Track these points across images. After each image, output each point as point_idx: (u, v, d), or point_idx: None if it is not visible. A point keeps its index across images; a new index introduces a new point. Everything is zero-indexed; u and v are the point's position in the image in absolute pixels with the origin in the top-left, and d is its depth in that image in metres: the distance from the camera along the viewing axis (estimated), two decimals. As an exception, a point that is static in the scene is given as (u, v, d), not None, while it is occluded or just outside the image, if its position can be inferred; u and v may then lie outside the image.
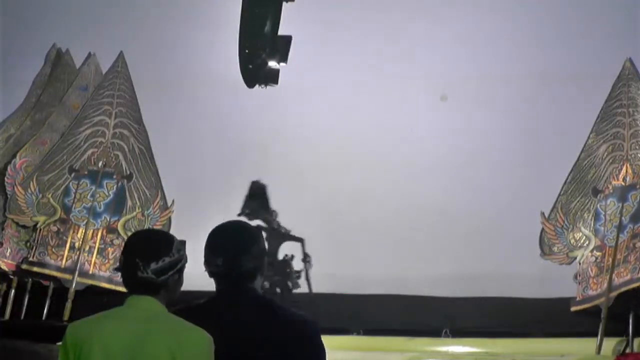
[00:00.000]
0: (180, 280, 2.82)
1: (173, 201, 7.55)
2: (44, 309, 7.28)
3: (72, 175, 7.57)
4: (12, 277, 7.39)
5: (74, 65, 8.33)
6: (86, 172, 7.58)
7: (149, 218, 7.52)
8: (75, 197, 7.48)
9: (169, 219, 7.49)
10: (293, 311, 3.08)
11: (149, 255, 2.73)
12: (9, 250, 7.42)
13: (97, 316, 2.77)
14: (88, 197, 7.50)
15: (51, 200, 7.47)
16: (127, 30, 8.35)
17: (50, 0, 8.82)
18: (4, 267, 7.36)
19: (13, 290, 7.37)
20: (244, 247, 3.00)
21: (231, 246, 2.99)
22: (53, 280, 7.33)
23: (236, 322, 2.86)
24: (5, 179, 7.56)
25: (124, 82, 7.87)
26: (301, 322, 3.02)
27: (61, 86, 8.22)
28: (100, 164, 7.59)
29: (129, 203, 7.55)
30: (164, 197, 7.59)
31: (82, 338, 2.70)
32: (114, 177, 7.59)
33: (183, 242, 2.88)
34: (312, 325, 3.03)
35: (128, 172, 7.62)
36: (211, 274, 2.98)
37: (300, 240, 7.74)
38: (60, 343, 2.78)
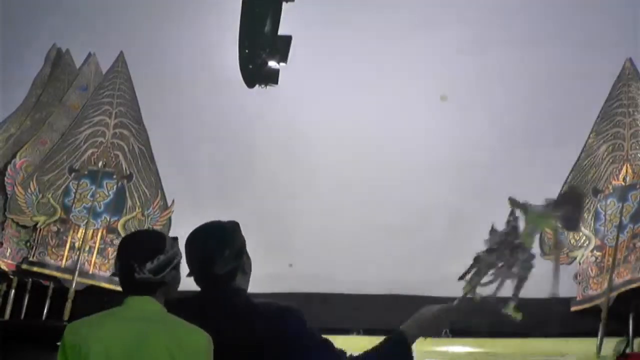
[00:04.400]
0: (177, 277, 2.83)
1: (173, 201, 7.56)
2: (44, 309, 7.27)
3: (72, 175, 7.58)
4: (12, 277, 7.38)
5: (74, 65, 8.34)
6: (86, 172, 7.58)
7: (149, 218, 7.53)
8: (75, 197, 7.48)
9: (169, 219, 7.50)
10: (272, 303, 3.09)
11: (144, 255, 2.74)
12: (9, 250, 7.42)
13: (95, 316, 2.77)
14: (88, 197, 7.50)
15: (51, 200, 7.48)
16: (127, 30, 8.35)
17: (50, 0, 8.82)
18: (4, 267, 7.35)
19: (13, 290, 7.37)
20: (215, 251, 3.01)
21: (202, 252, 2.98)
22: (53, 280, 7.32)
23: (217, 320, 2.88)
24: (5, 179, 7.57)
25: (124, 82, 7.88)
26: (280, 313, 3.04)
27: (61, 86, 8.22)
28: (100, 164, 7.59)
29: (129, 203, 7.56)
30: (164, 197, 7.60)
31: (81, 338, 2.71)
32: (114, 177, 7.59)
33: (175, 239, 2.90)
34: (291, 314, 3.05)
35: (128, 172, 7.62)
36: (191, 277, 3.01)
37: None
38: (59, 343, 2.79)
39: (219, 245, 3.04)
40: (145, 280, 2.71)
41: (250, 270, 3.18)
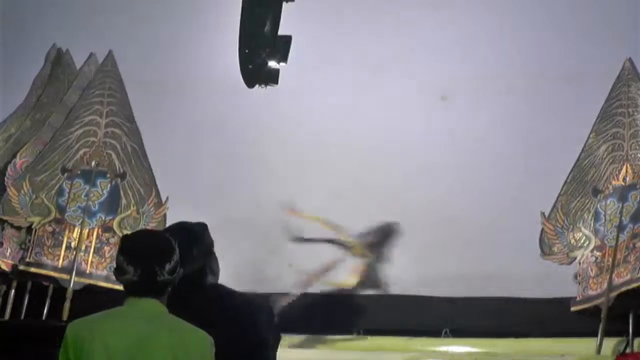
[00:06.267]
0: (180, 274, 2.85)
1: (167, 198, 7.55)
2: (44, 309, 7.27)
3: (65, 175, 7.56)
4: (11, 277, 7.37)
5: (74, 65, 8.32)
6: (79, 172, 7.57)
7: (144, 215, 7.52)
8: (69, 197, 7.46)
9: (164, 216, 7.50)
10: (244, 296, 3.14)
11: (164, 258, 2.76)
12: (9, 250, 7.41)
13: (98, 315, 2.77)
14: (82, 196, 7.49)
15: (45, 200, 7.46)
16: (127, 31, 8.34)
17: (50, 0, 8.82)
18: (4, 267, 7.34)
19: (13, 291, 7.36)
20: (184, 251, 3.05)
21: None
22: (51, 280, 7.31)
23: (193, 313, 2.90)
24: (6, 179, 7.56)
25: (114, 81, 7.88)
26: (248, 303, 3.10)
27: (61, 86, 8.21)
28: (93, 163, 7.58)
29: (124, 201, 7.55)
30: (158, 195, 7.59)
31: (83, 336, 2.70)
32: (108, 175, 7.58)
33: (174, 235, 2.92)
34: (261, 305, 3.10)
35: (121, 171, 7.61)
36: None
37: None
38: (60, 342, 2.78)
39: (188, 245, 3.08)
40: (166, 282, 2.73)
41: (219, 271, 3.23)
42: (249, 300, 3.19)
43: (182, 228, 3.19)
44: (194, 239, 3.15)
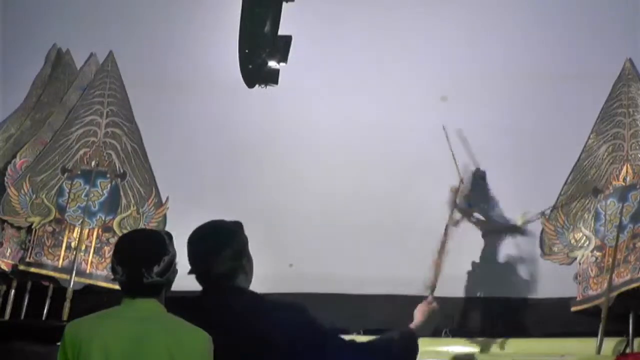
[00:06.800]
0: (175, 274, 2.85)
1: (167, 198, 7.56)
2: (44, 309, 7.28)
3: (65, 175, 7.58)
4: (11, 277, 7.38)
5: (74, 65, 8.34)
6: (79, 172, 7.59)
7: (144, 215, 7.54)
8: (69, 197, 7.47)
9: (164, 216, 7.51)
10: (276, 301, 3.09)
11: (151, 260, 2.75)
12: (9, 250, 7.42)
13: (95, 315, 2.78)
14: (82, 196, 7.50)
15: (45, 200, 7.48)
16: (127, 31, 8.35)
17: (50, 0, 8.82)
18: (4, 267, 7.35)
19: (13, 291, 7.37)
20: (213, 250, 3.01)
21: (200, 250, 2.99)
22: (51, 281, 7.32)
23: (218, 319, 2.88)
24: (6, 178, 7.57)
25: (115, 81, 7.91)
26: (283, 308, 3.04)
27: (61, 86, 8.22)
28: (93, 163, 7.59)
29: (124, 201, 7.57)
30: (158, 195, 7.62)
31: (81, 337, 2.71)
32: (108, 176, 7.60)
33: (170, 236, 2.90)
34: (296, 310, 3.05)
35: (121, 171, 7.63)
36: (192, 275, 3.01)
37: None
38: (59, 343, 2.79)
39: (218, 244, 3.05)
40: (154, 284, 2.72)
41: (252, 272, 3.18)
42: (268, 303, 3.12)
43: (214, 227, 3.15)
44: (225, 238, 3.11)
